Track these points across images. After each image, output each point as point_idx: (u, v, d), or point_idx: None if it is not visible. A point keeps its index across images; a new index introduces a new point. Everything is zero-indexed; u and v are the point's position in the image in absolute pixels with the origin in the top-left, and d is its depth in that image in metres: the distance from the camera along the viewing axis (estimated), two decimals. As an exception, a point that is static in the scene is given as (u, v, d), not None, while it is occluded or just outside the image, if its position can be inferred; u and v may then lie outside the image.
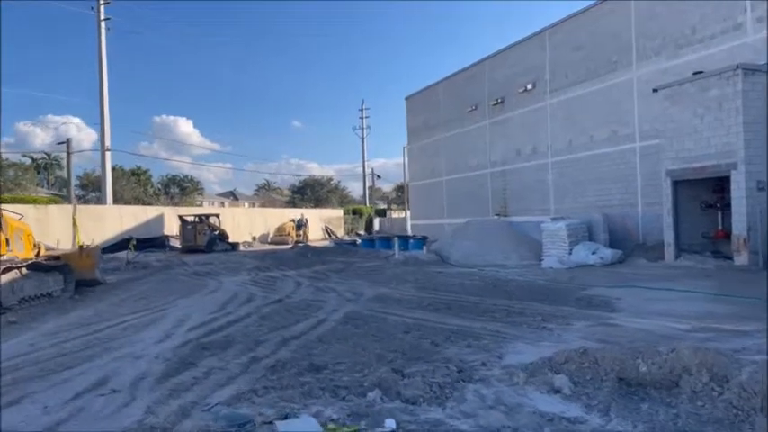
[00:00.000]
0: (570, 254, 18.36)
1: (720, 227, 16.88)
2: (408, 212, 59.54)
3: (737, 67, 14.70)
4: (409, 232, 44.87)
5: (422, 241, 22.56)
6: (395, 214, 64.66)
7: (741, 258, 14.82)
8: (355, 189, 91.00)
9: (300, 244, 32.19)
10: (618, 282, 13.19)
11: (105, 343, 8.30)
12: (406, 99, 38.02)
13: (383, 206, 75.13)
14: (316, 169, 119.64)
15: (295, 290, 13.65)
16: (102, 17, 32.40)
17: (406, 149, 38.63)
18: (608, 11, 21.35)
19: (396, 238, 21.34)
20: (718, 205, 16.67)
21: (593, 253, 17.83)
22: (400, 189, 71.41)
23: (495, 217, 27.09)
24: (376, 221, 57.13)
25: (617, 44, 20.81)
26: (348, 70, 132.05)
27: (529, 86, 25.66)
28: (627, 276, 14.43)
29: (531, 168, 25.74)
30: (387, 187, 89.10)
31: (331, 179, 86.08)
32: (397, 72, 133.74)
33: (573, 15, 23.24)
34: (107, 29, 32.83)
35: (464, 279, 14.92)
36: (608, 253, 17.75)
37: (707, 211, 17.05)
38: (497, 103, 28.06)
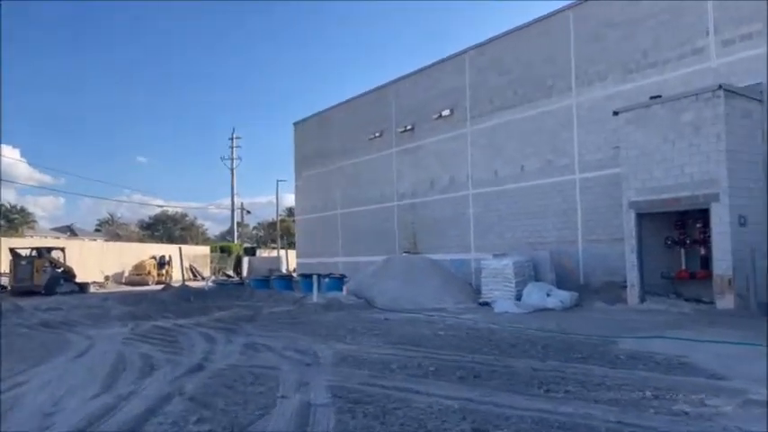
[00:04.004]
0: (520, 296, 15.90)
1: (684, 266, 15.37)
2: (282, 251, 55.56)
3: (720, 87, 13.33)
4: (283, 271, 40.92)
5: (339, 281, 19.04)
6: (264, 253, 59.94)
7: (725, 302, 13.14)
8: (211, 228, 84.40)
9: (176, 285, 26.97)
10: (623, 331, 10.68)
11: None
12: (295, 125, 34.56)
13: (249, 244, 69.65)
14: (161, 206, 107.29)
15: (211, 349, 9.55)
16: None
17: (294, 180, 34.90)
18: (541, 32, 19.86)
19: (315, 277, 17.62)
20: (687, 242, 15.16)
21: (549, 295, 15.51)
22: (272, 226, 66.98)
23: (405, 254, 24.23)
24: (245, 260, 52.17)
25: (552, 68, 19.27)
26: (198, 104, 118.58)
27: (445, 112, 23.53)
28: (614, 323, 12.07)
29: (448, 201, 23.42)
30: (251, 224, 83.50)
31: (186, 215, 78.86)
32: (259, 106, 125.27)
33: (499, 37, 21.58)
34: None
35: (426, 329, 11.68)
36: (565, 295, 15.52)
37: (672, 248, 15.50)
38: (406, 130, 25.65)
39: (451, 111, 23.30)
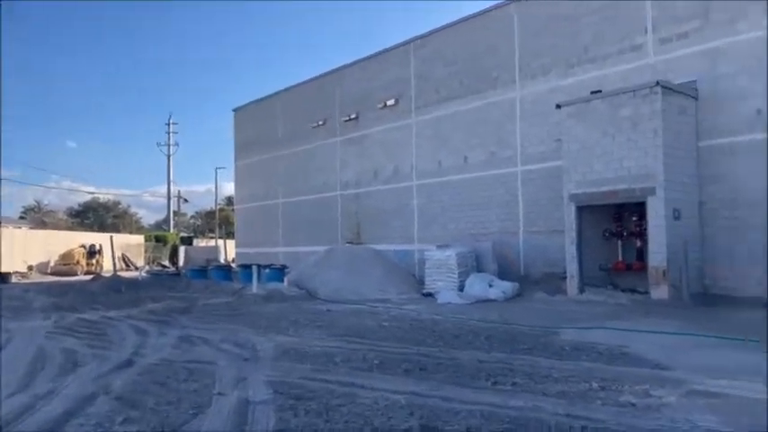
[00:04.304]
0: (463, 286, 15.93)
1: (620, 258, 15.74)
2: (220, 240, 54.15)
3: (657, 83, 13.64)
4: (222, 261, 39.93)
5: (280, 272, 18.57)
6: (202, 243, 58.33)
7: (659, 292, 13.52)
8: (145, 216, 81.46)
9: (107, 275, 25.77)
10: (564, 322, 10.81)
11: None
12: (235, 111, 33.62)
13: (186, 234, 67.53)
14: (92, 193, 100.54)
15: (142, 343, 9.04)
16: None
17: (234, 168, 33.96)
18: (485, 25, 19.89)
19: (255, 267, 17.10)
20: (624, 234, 15.52)
21: (491, 286, 15.60)
22: (210, 215, 65.20)
23: (348, 244, 23.97)
24: (182, 250, 50.63)
25: (497, 60, 19.35)
26: (133, 87, 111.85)
27: (390, 102, 23.32)
28: (555, 314, 12.24)
29: (392, 191, 23.27)
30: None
31: (119, 203, 75.55)
32: (197, 93, 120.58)
33: (444, 28, 21.51)
34: None
35: (370, 320, 11.50)
36: (507, 286, 15.65)
37: (609, 240, 15.84)
38: (350, 119, 25.31)
39: (396, 100, 23.12)
